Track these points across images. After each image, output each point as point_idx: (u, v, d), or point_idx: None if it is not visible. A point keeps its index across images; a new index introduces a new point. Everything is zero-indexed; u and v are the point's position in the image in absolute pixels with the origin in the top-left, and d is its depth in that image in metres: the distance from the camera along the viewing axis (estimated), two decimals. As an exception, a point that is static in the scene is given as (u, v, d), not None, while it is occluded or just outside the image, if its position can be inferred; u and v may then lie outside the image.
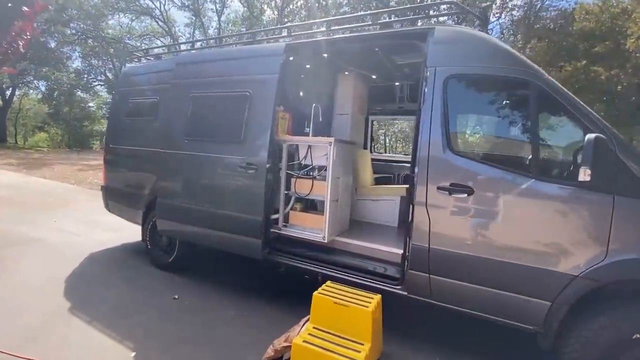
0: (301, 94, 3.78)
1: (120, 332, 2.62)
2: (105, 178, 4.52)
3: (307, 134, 3.46)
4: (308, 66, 3.72)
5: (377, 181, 4.33)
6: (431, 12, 6.48)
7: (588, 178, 1.86)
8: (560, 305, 2.06)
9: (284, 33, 3.34)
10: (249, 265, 4.65)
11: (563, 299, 2.05)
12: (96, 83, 27.61)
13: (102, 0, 22.18)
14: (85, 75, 26.41)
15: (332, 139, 2.98)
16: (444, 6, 3.07)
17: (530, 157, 2.17)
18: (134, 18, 24.60)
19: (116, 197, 4.43)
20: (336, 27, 3.03)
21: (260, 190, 3.00)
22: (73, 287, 3.40)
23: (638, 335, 1.89)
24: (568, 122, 2.13)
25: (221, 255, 5.14)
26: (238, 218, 3.14)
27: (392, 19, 3.23)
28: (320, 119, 3.42)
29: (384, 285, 2.64)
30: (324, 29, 2.97)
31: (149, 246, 4.01)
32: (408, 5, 12.08)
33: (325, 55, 3.36)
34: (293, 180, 3.20)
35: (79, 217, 6.06)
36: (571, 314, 2.05)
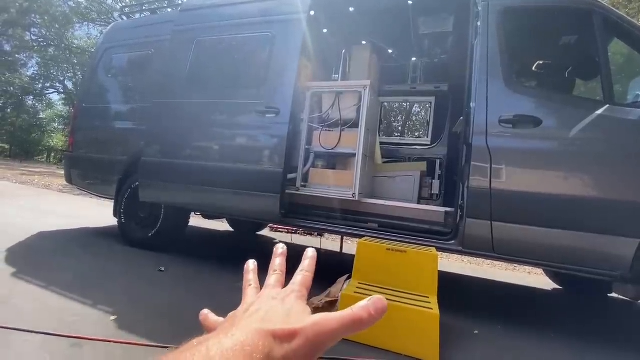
0: (322, 49, 3.50)
1: (94, 298, 1.90)
2: (72, 145, 3.76)
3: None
4: (330, 23, 3.48)
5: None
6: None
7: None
8: (650, 243, 1.81)
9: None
10: (241, 245, 4.07)
11: (653, 235, 1.81)
12: (52, 91, 25.44)
13: (71, 9, 21.14)
14: (42, 81, 24.13)
15: (367, 82, 2.68)
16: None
17: (602, 83, 2.02)
18: (104, 31, 23.65)
19: (84, 166, 3.67)
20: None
21: (282, 137, 2.57)
22: (16, 254, 2.58)
23: None
24: (637, 47, 2.04)
25: (207, 235, 4.50)
26: (252, 171, 2.64)
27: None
28: (348, 70, 3.14)
29: (433, 243, 2.24)
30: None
31: (122, 220, 3.27)
32: None
33: (352, 9, 3.16)
34: (317, 133, 2.81)
35: (23, 205, 5.00)
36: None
